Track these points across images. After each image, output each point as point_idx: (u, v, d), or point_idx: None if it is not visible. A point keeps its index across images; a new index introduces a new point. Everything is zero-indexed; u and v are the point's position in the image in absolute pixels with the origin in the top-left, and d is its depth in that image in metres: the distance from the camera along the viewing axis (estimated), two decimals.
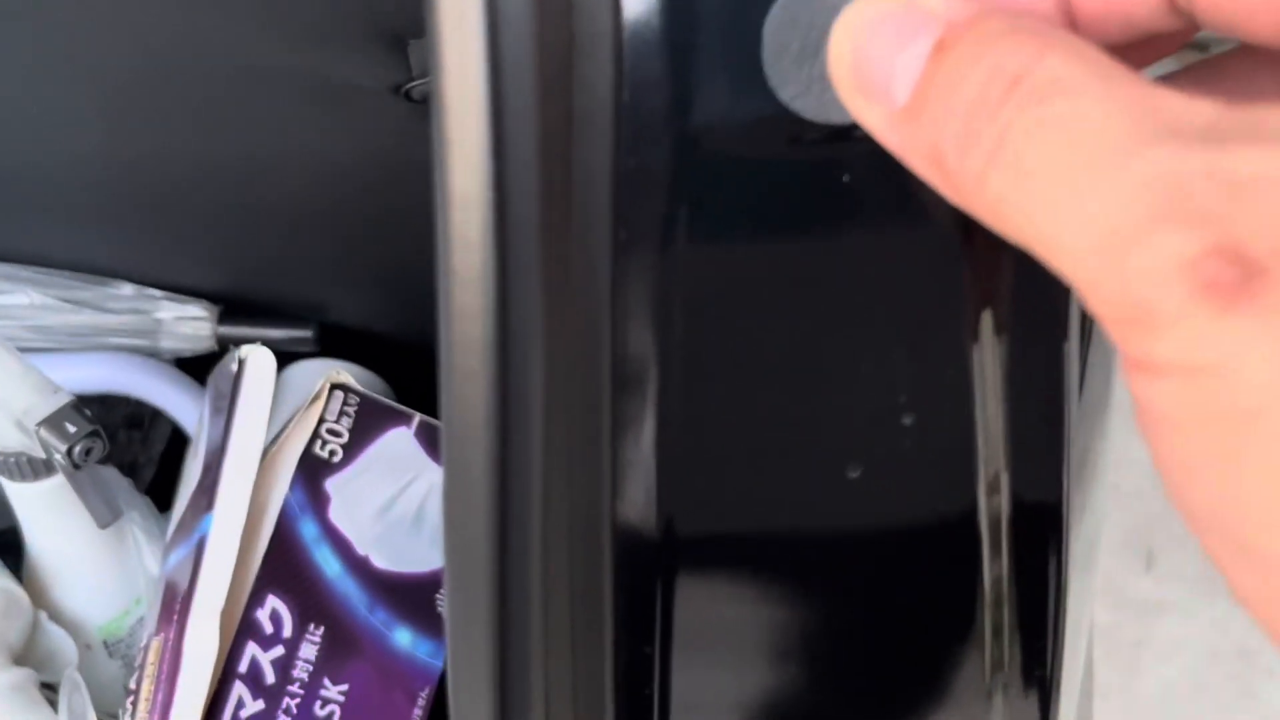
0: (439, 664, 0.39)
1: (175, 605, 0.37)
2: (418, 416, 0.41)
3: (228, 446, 0.38)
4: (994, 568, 0.22)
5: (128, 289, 0.48)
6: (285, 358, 0.43)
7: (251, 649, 0.37)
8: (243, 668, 0.37)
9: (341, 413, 0.40)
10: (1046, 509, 0.22)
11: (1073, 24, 0.18)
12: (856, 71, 0.17)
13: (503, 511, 0.20)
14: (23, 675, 0.42)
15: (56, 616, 0.45)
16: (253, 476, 0.38)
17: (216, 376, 0.43)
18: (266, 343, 0.42)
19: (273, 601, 0.38)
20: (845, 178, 0.20)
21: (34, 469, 0.41)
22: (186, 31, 0.34)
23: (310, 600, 0.38)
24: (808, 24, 0.19)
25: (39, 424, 0.39)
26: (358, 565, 0.39)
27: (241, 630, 0.37)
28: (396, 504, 0.40)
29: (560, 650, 0.21)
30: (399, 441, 0.41)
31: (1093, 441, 0.25)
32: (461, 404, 0.20)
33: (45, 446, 0.39)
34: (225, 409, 0.39)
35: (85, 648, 0.45)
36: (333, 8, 0.32)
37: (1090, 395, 0.24)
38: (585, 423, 0.20)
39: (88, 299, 0.47)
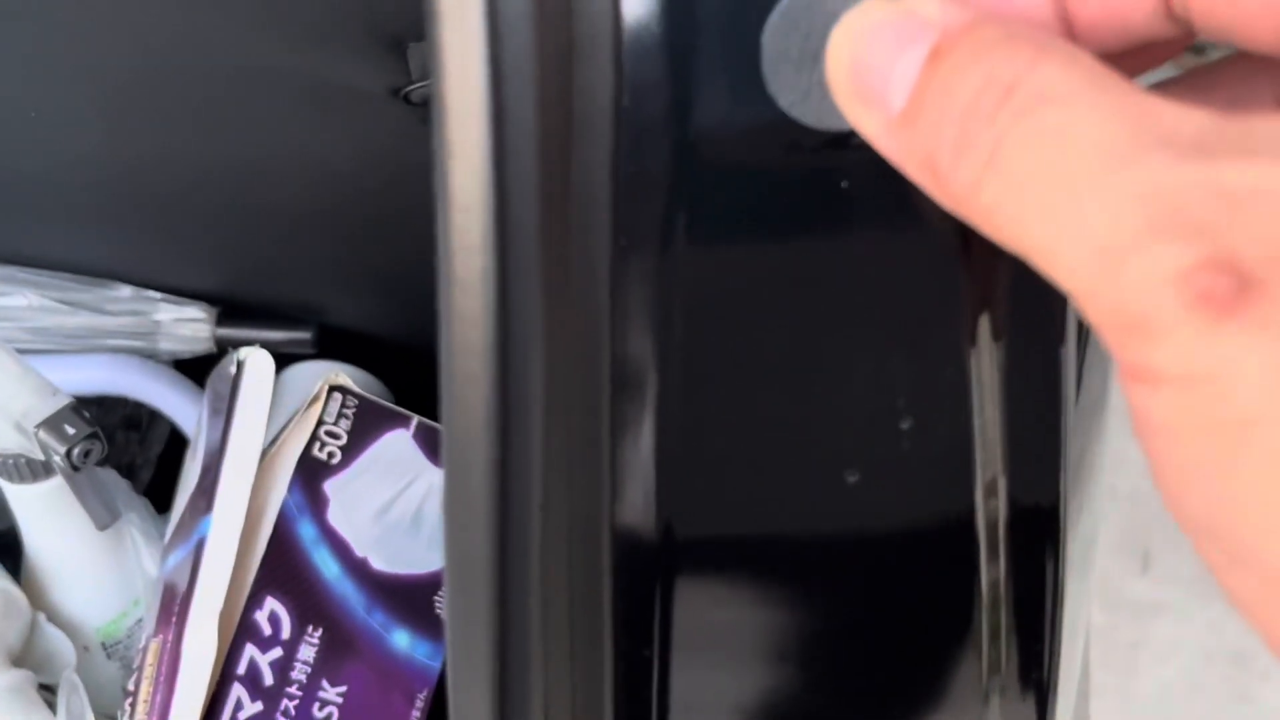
0: (437, 665, 0.39)
1: (174, 607, 0.37)
2: (416, 418, 0.41)
3: (226, 448, 0.38)
4: (991, 570, 0.22)
5: (126, 291, 0.48)
6: (283, 359, 0.43)
7: (250, 650, 0.37)
8: (241, 669, 0.37)
9: (340, 415, 0.40)
10: (1043, 512, 0.22)
11: (1070, 31, 0.18)
12: (854, 78, 0.17)
13: (503, 514, 0.20)
14: (21, 677, 0.42)
15: (55, 618, 0.45)
16: (251, 478, 0.38)
17: (215, 378, 0.43)
18: (265, 345, 0.42)
19: (271, 603, 0.38)
20: (844, 184, 0.20)
21: (33, 471, 0.41)
22: (186, 32, 0.34)
23: (309, 602, 0.38)
24: (807, 30, 0.19)
25: (38, 426, 0.39)
26: (356, 567, 0.39)
27: (240, 632, 0.37)
28: (395, 506, 0.40)
29: (559, 653, 0.21)
30: (397, 443, 0.41)
31: (1089, 443, 0.25)
32: (462, 407, 0.20)
33: (44, 448, 0.39)
34: (224, 411, 0.39)
35: (83, 649, 0.45)
36: (332, 10, 0.32)
37: (1087, 397, 0.24)
38: (585, 426, 0.20)
39: (86, 301, 0.47)
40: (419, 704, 0.39)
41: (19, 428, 0.39)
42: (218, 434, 0.39)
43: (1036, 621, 0.22)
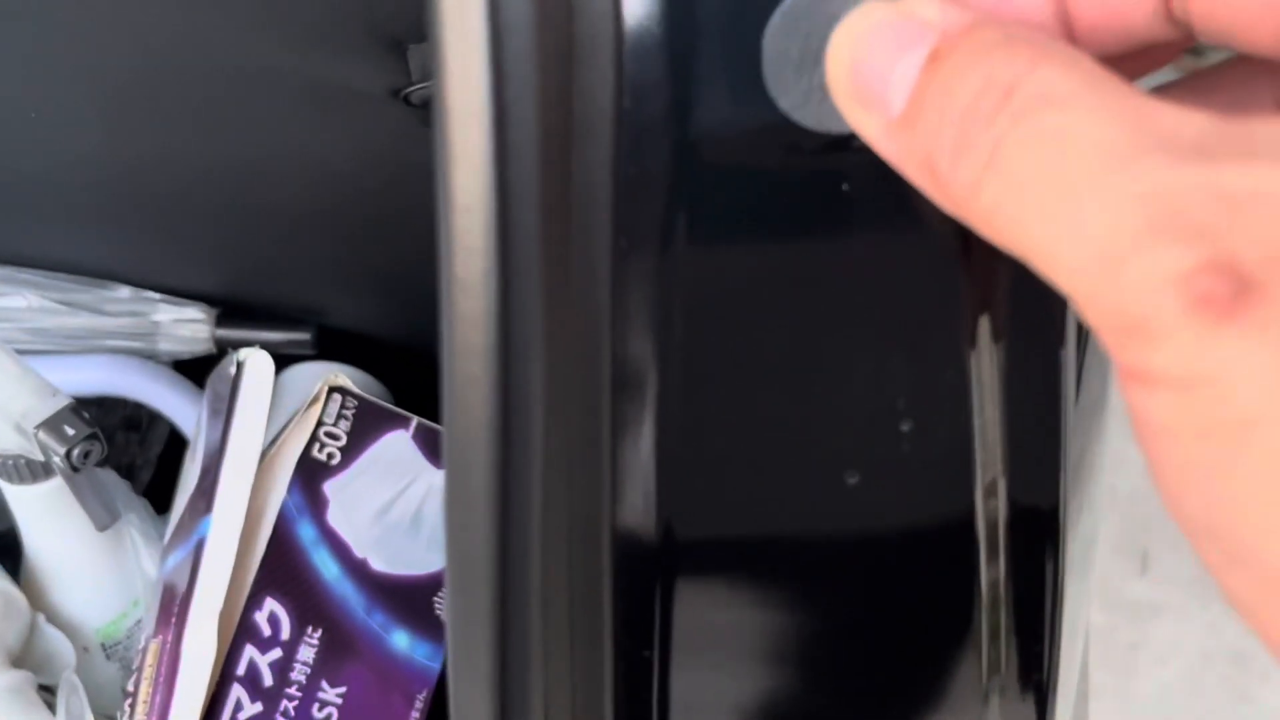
0: (437, 666, 0.39)
1: (173, 608, 0.37)
2: (415, 419, 0.41)
3: (226, 449, 0.38)
4: (991, 571, 0.22)
5: (125, 291, 0.48)
6: (283, 360, 0.43)
7: (249, 651, 0.37)
8: (241, 670, 0.37)
9: (340, 415, 0.40)
10: (1043, 513, 0.22)
11: (1070, 33, 0.18)
12: (854, 80, 0.17)
13: (503, 515, 0.20)
14: (20, 678, 0.42)
15: (54, 619, 0.45)
16: (251, 479, 0.38)
17: (215, 379, 0.43)
18: (264, 345, 0.42)
19: (271, 604, 0.38)
20: (844, 186, 0.20)
21: (32, 471, 0.41)
22: (186, 33, 0.34)
23: (308, 603, 0.38)
24: (807, 33, 0.19)
25: (37, 427, 0.39)
26: (356, 568, 0.39)
27: (239, 633, 0.37)
28: (394, 506, 0.40)
29: (560, 654, 0.21)
30: (397, 444, 0.41)
31: (1089, 444, 0.25)
32: (463, 409, 0.20)
33: (44, 449, 0.39)
34: (223, 412, 0.39)
35: (83, 650, 0.45)
36: (332, 11, 0.32)
37: (1087, 398, 0.24)
38: (585, 427, 0.20)
39: (86, 301, 0.47)
40: (418, 705, 0.39)
41: (19, 428, 0.39)
42: (217, 435, 0.39)
43: (1036, 622, 0.22)
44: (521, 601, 0.21)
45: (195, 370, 0.49)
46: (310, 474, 0.39)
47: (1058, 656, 0.23)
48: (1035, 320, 0.21)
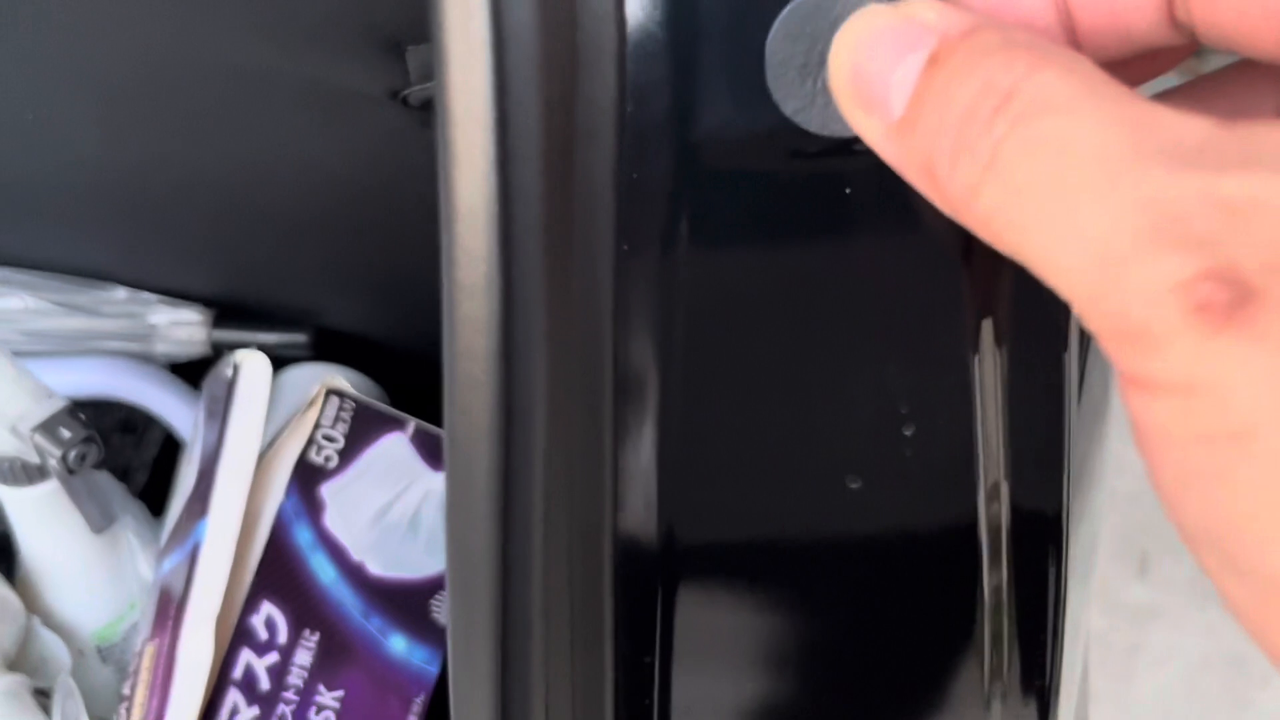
0: (434, 670, 0.39)
1: (170, 611, 0.37)
2: (413, 422, 0.41)
3: (222, 452, 0.38)
4: (993, 576, 0.22)
5: (121, 293, 0.48)
6: (280, 363, 0.43)
7: (246, 655, 0.37)
8: (237, 674, 0.37)
9: (337, 418, 0.40)
10: (1046, 517, 0.22)
11: (1073, 37, 0.18)
12: (855, 84, 0.17)
13: (505, 520, 0.20)
14: (15, 681, 0.41)
15: (49, 622, 0.45)
16: (248, 482, 0.38)
17: (211, 381, 0.43)
18: (261, 347, 0.42)
19: (267, 608, 0.38)
20: (847, 190, 0.20)
21: (28, 474, 0.41)
22: (182, 34, 0.34)
23: (305, 606, 0.38)
24: (811, 37, 0.19)
25: (33, 429, 0.39)
26: (353, 571, 0.39)
27: (236, 637, 0.37)
28: (392, 510, 0.40)
29: (561, 659, 0.21)
30: (394, 447, 0.41)
31: (1091, 448, 0.25)
32: (465, 413, 0.20)
33: (40, 452, 0.39)
34: (220, 414, 0.39)
35: (78, 653, 0.45)
36: (329, 12, 0.32)
37: (1088, 401, 0.24)
38: (587, 432, 0.20)
39: (81, 303, 0.47)
40: (416, 708, 0.39)
41: (14, 431, 0.39)
42: (214, 437, 0.39)
43: (1039, 627, 0.22)
44: (522, 607, 0.21)
45: (191, 372, 0.48)
46: (307, 477, 0.39)
47: (1060, 661, 0.23)
48: (1038, 324, 0.21)
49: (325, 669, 0.38)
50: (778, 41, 0.19)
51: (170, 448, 0.52)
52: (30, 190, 0.43)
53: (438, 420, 0.38)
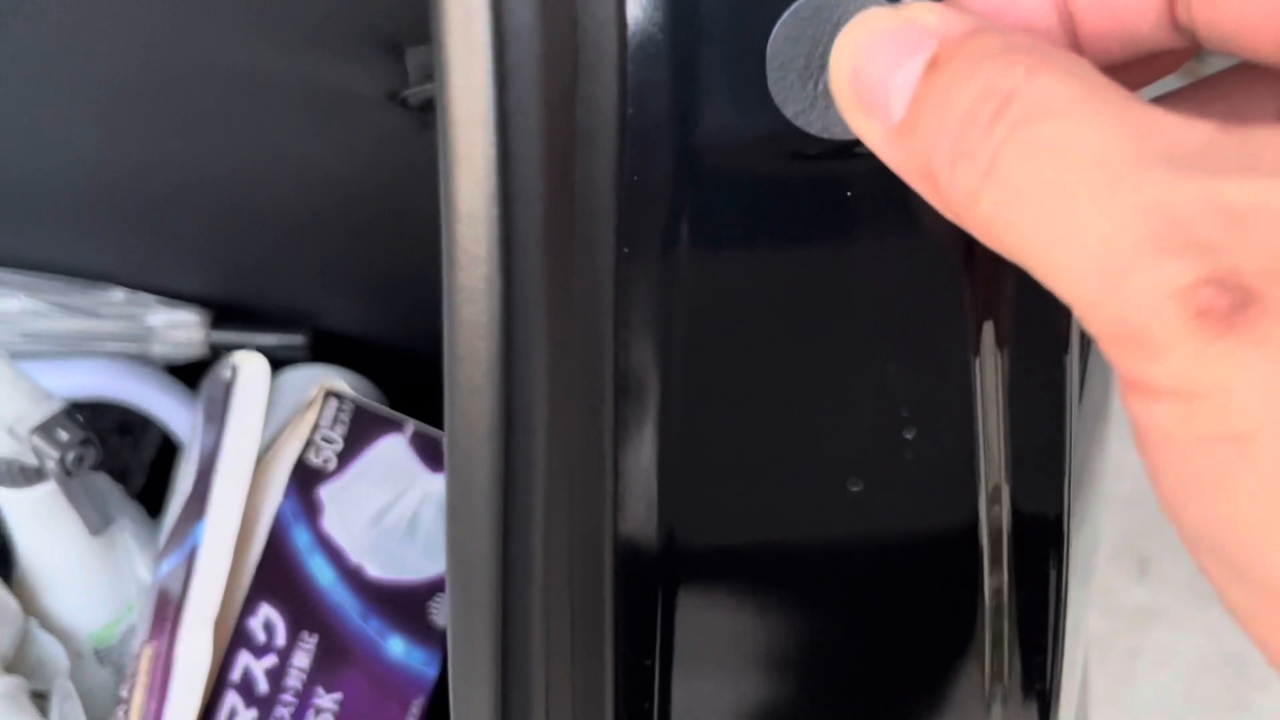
0: (432, 673, 0.39)
1: (167, 614, 0.37)
2: (411, 424, 0.41)
3: (220, 454, 0.38)
4: (994, 579, 0.22)
5: (119, 294, 0.48)
6: (278, 364, 0.43)
7: (244, 658, 0.37)
8: (235, 677, 0.37)
9: (335, 420, 0.40)
10: (1047, 520, 0.22)
11: (1075, 40, 0.18)
12: (856, 87, 0.17)
13: (505, 524, 0.20)
14: (13, 684, 0.41)
15: (47, 624, 0.45)
16: (246, 484, 0.38)
17: (209, 383, 0.42)
18: (259, 349, 0.42)
19: (265, 610, 0.38)
20: (848, 193, 0.20)
21: (25, 476, 0.41)
22: (181, 36, 0.34)
23: (303, 609, 0.38)
24: (812, 40, 0.19)
25: (31, 431, 0.39)
26: (351, 574, 0.39)
27: (234, 639, 0.37)
28: (390, 512, 0.40)
29: (561, 662, 0.21)
30: (393, 449, 0.41)
31: (1092, 450, 0.25)
32: (465, 416, 0.20)
33: (37, 454, 0.39)
34: (218, 416, 0.39)
35: (76, 656, 0.45)
36: (328, 13, 0.32)
37: (1089, 403, 0.24)
38: (587, 435, 0.20)
39: (79, 304, 0.47)
40: (414, 711, 0.39)
41: (12, 433, 0.39)
42: (212, 439, 0.39)
43: (1040, 630, 0.22)
44: (523, 609, 0.21)
45: (190, 374, 0.48)
46: (305, 479, 0.39)
47: (1061, 665, 0.23)
48: (1039, 327, 0.21)
49: (323, 671, 0.38)
50: (779, 44, 0.19)
51: (168, 449, 0.52)
52: (28, 191, 0.43)
53: (436, 422, 0.38)
